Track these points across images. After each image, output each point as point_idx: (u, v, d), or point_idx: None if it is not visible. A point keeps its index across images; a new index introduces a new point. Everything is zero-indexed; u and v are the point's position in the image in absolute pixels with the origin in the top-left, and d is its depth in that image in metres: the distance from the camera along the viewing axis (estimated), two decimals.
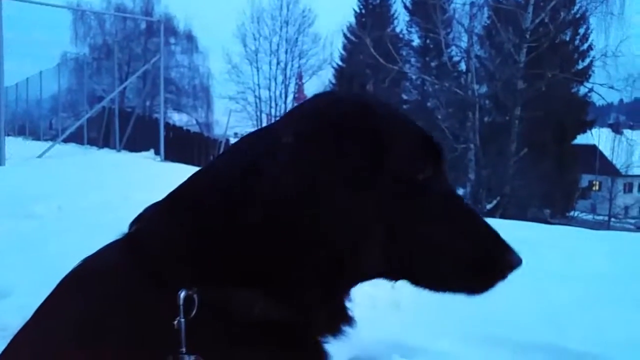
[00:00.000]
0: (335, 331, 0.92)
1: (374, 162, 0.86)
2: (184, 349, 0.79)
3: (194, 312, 0.81)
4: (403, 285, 3.15)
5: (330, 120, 0.88)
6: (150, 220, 0.93)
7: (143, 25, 30.04)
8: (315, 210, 0.82)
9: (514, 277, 3.27)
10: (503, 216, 16.15)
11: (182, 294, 0.81)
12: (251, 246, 0.84)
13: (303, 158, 0.84)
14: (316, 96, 1.02)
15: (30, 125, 22.11)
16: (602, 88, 20.29)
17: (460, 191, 25.41)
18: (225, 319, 0.83)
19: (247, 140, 0.97)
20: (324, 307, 0.89)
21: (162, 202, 0.97)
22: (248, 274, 0.84)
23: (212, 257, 0.85)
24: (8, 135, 9.20)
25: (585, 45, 24.03)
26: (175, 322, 0.80)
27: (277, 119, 1.04)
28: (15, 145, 9.39)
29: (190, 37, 33.41)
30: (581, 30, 23.67)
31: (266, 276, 0.84)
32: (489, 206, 19.43)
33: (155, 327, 0.82)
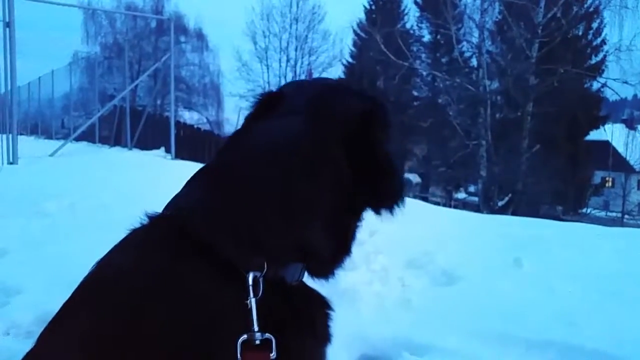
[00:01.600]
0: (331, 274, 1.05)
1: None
2: (256, 328, 0.84)
3: (260, 292, 0.86)
4: (412, 283, 3.13)
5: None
6: (197, 206, 0.93)
7: (153, 24, 30.14)
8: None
9: (526, 274, 3.22)
10: (515, 213, 16.02)
11: (251, 276, 0.86)
12: (308, 224, 0.95)
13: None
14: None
15: (42, 124, 22.31)
16: (615, 83, 20.09)
17: (472, 188, 25.30)
18: (281, 291, 0.91)
19: (264, 134, 1.03)
20: (338, 258, 1.05)
21: (195, 187, 0.98)
22: (296, 247, 0.94)
23: (268, 236, 0.91)
24: (20, 134, 9.28)
25: (599, 40, 23.70)
26: (248, 302, 0.85)
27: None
28: (27, 144, 9.49)
29: (200, 36, 33.50)
30: (594, 25, 23.36)
31: (307, 245, 0.95)
32: (500, 203, 19.32)
33: (226, 309, 0.86)
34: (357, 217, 1.07)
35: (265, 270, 0.88)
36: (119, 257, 0.92)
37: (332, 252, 1.01)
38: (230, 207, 0.91)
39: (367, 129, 1.03)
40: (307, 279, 1.01)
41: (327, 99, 1.08)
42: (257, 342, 0.84)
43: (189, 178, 1.01)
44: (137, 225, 0.95)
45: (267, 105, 1.11)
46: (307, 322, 0.94)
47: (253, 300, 0.84)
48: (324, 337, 0.99)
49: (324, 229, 0.97)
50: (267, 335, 0.85)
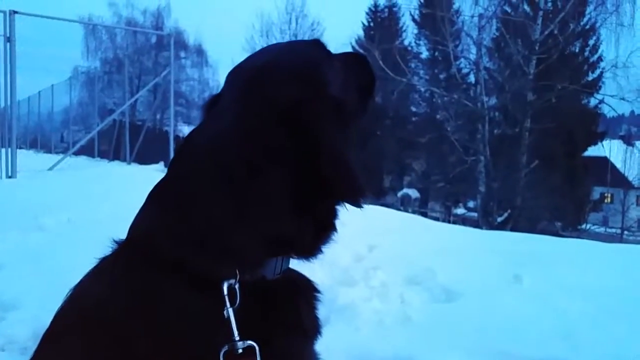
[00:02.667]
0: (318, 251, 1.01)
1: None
2: (237, 337, 0.83)
3: (237, 300, 0.85)
4: (412, 299, 3.09)
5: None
6: (158, 225, 0.92)
7: (153, 39, 30.38)
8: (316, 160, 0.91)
9: (526, 291, 3.18)
10: (514, 229, 15.99)
11: (225, 285, 0.85)
12: (272, 218, 0.91)
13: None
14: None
15: (41, 138, 22.36)
16: (612, 99, 20.13)
17: (471, 203, 25.29)
18: (263, 291, 0.90)
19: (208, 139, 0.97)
20: (321, 238, 1.00)
21: (152, 206, 0.97)
22: (266, 243, 0.91)
23: (233, 242, 0.88)
24: (20, 148, 9.29)
25: (595, 57, 23.92)
26: (225, 312, 0.84)
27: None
28: (26, 158, 9.50)
29: (200, 51, 33.74)
30: (591, 42, 23.58)
31: (278, 236, 0.92)
32: (499, 219, 19.28)
33: (206, 322, 0.85)
34: (328, 201, 0.98)
35: (238, 276, 0.86)
36: (93, 286, 0.92)
37: (311, 234, 0.97)
38: (190, 221, 0.89)
39: (300, 118, 0.92)
40: (296, 263, 1.00)
41: (258, 86, 0.97)
42: (240, 350, 0.83)
43: (147, 196, 0.99)
44: (107, 252, 0.95)
45: (209, 108, 1.06)
46: (292, 318, 0.93)
47: (230, 310, 0.84)
48: (312, 329, 0.98)
49: (290, 216, 0.92)
50: (249, 342, 0.84)
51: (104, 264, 0.94)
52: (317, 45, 1.09)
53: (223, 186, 0.90)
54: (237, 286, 0.86)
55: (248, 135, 0.92)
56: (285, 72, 0.99)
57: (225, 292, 0.84)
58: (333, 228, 1.00)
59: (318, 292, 1.01)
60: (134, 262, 0.89)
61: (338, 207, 1.00)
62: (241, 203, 0.89)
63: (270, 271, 0.92)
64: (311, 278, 1.03)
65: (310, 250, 0.99)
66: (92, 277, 0.93)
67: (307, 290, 1.00)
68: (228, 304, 0.84)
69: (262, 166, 0.90)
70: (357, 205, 0.96)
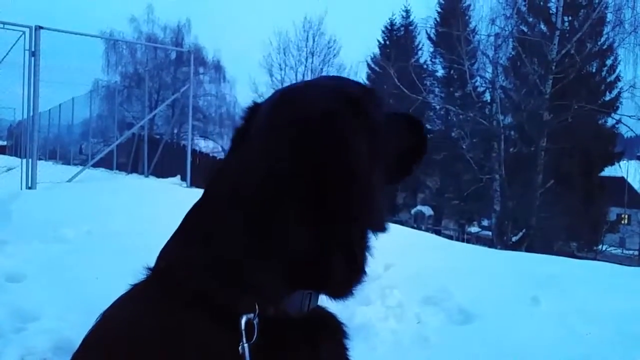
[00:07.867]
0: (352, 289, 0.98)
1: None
2: None
3: (255, 334, 0.84)
4: (429, 320, 3.08)
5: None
6: (179, 254, 0.94)
7: (173, 55, 30.83)
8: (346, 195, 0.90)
9: (543, 313, 3.14)
10: (528, 249, 15.82)
11: (243, 320, 0.84)
12: (297, 251, 0.89)
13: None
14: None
15: (61, 149, 22.62)
16: (630, 120, 19.96)
17: (485, 222, 25.04)
18: (281, 326, 0.88)
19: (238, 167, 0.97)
20: (352, 275, 0.97)
21: (182, 236, 0.97)
22: (293, 276, 0.89)
23: (255, 277, 0.88)
24: (39, 159, 9.41)
25: (613, 77, 23.76)
26: (240, 347, 0.82)
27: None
28: (46, 169, 9.60)
29: (218, 67, 34.10)
30: (608, 62, 23.42)
31: (307, 271, 0.90)
32: (514, 238, 19.07)
33: (219, 356, 0.84)
34: (354, 232, 0.96)
35: (258, 310, 0.85)
36: (122, 312, 0.94)
37: (338, 267, 0.93)
38: (211, 254, 0.89)
39: (329, 132, 0.90)
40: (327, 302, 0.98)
41: (287, 104, 0.97)
42: None
43: (181, 221, 1.00)
44: (139, 279, 0.96)
45: (247, 124, 1.05)
46: (308, 357, 0.91)
47: (246, 346, 0.82)
48: None
49: (312, 247, 0.90)
50: None
51: (134, 291, 0.95)
52: (370, 89, 1.07)
53: (243, 219, 0.90)
54: (255, 321, 0.85)
55: (268, 166, 0.91)
56: (321, 90, 0.97)
57: (243, 326, 0.83)
58: (362, 268, 0.97)
59: (345, 333, 0.99)
60: (158, 292, 0.90)
61: (367, 238, 0.99)
62: (260, 236, 0.89)
63: (294, 306, 0.90)
64: (339, 317, 1.01)
65: (339, 286, 0.96)
66: (121, 303, 0.95)
67: (333, 331, 0.98)
68: (244, 339, 0.83)
69: (281, 197, 0.89)
70: (375, 231, 0.97)
